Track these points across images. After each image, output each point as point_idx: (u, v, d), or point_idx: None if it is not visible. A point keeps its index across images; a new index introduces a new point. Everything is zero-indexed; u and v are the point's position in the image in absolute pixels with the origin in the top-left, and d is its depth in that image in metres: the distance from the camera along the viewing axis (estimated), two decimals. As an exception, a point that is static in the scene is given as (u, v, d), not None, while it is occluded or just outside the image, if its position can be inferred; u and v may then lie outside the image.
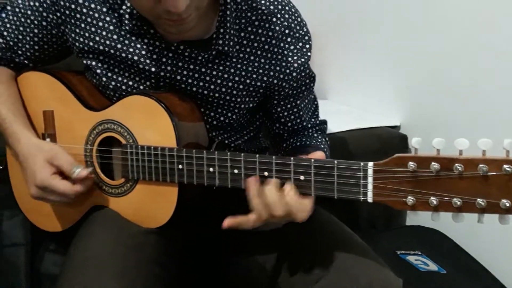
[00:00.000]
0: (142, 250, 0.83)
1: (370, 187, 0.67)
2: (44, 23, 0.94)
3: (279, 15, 0.94)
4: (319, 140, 1.06)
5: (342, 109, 1.92)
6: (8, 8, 0.97)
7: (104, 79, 0.94)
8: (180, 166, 0.82)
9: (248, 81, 0.95)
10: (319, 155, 0.75)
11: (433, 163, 0.62)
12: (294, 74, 0.97)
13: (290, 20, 0.95)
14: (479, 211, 0.62)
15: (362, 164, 0.68)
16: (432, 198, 0.63)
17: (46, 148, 0.88)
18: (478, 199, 0.61)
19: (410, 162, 0.64)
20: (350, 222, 1.34)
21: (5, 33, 0.97)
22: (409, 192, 0.65)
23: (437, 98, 1.50)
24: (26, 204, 1.03)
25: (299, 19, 0.97)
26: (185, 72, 0.92)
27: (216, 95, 0.94)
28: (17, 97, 0.98)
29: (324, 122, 1.14)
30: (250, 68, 0.94)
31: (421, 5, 1.54)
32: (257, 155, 0.76)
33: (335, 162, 0.70)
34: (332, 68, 2.13)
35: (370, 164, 0.67)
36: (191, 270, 1.01)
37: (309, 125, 1.08)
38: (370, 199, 0.68)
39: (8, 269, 1.07)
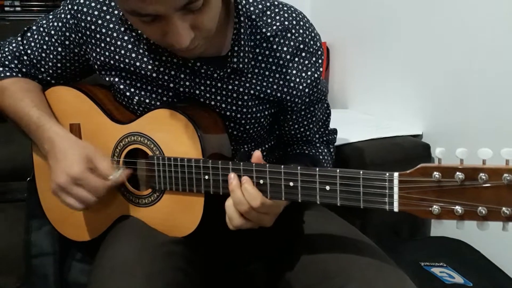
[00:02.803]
0: (167, 258, 0.85)
1: (396, 196, 0.68)
2: (67, 42, 0.98)
3: (293, 31, 0.95)
4: (320, 151, 1.08)
5: (364, 118, 1.92)
6: (33, 28, 1.02)
7: (127, 93, 0.96)
8: (207, 177, 0.84)
9: (262, 95, 0.96)
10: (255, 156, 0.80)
11: (457, 173, 0.63)
12: (307, 89, 0.99)
13: (305, 35, 0.96)
14: (504, 220, 0.62)
15: (387, 174, 0.68)
16: (457, 207, 0.64)
17: (87, 147, 0.91)
18: (503, 208, 0.61)
19: (435, 172, 0.64)
20: (372, 231, 1.34)
21: (29, 51, 1.01)
22: (434, 201, 0.65)
23: (460, 107, 1.49)
24: (54, 215, 1.05)
25: (313, 34, 0.98)
26: (202, 88, 0.94)
27: (233, 108, 0.96)
28: (47, 104, 1.01)
29: (334, 132, 1.15)
30: (264, 83, 0.96)
31: (443, 11, 1.53)
32: (282, 166, 0.77)
33: (361, 172, 0.70)
34: (353, 77, 2.13)
35: (396, 174, 0.67)
36: (213, 279, 1.02)
37: (316, 136, 1.10)
38: (396, 208, 0.68)
39: (37, 279, 1.08)
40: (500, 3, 1.31)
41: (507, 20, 1.29)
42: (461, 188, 0.63)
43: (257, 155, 0.80)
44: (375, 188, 0.69)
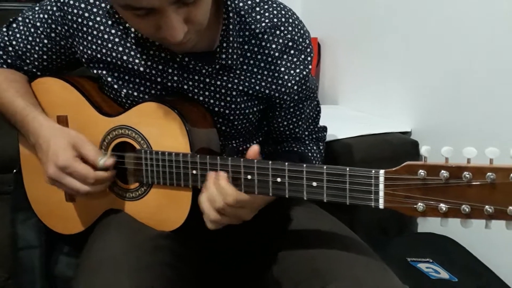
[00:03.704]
0: (155, 252, 0.85)
1: (381, 193, 0.68)
2: (53, 35, 0.97)
3: (282, 28, 0.95)
4: (309, 148, 1.09)
5: (354, 115, 1.93)
6: (19, 19, 1.01)
7: (115, 86, 0.96)
8: (194, 172, 0.84)
9: (250, 91, 0.96)
10: (251, 151, 0.80)
11: (442, 171, 0.64)
12: (296, 87, 0.99)
13: (294, 33, 0.96)
14: (487, 218, 0.63)
15: (373, 171, 0.69)
16: (441, 204, 0.65)
17: (72, 134, 0.90)
18: (486, 206, 0.62)
19: (420, 170, 0.65)
20: (360, 228, 1.35)
21: (14, 43, 1.00)
22: (419, 199, 0.66)
23: (448, 104, 1.50)
24: (40, 207, 1.05)
25: (302, 31, 0.98)
26: (190, 83, 0.94)
27: (222, 103, 0.96)
28: (33, 95, 1.00)
29: (324, 130, 1.15)
30: (253, 80, 0.96)
31: (433, 11, 1.54)
32: (270, 162, 0.77)
33: (347, 169, 0.71)
34: (343, 74, 2.14)
35: (382, 171, 0.68)
36: (203, 274, 1.02)
37: (306, 133, 1.10)
38: (381, 205, 0.69)
39: (22, 271, 1.08)
40: (492, 2, 1.32)
41: (500, 20, 1.30)
42: (445, 186, 0.64)
43: (254, 149, 0.80)
44: (361, 185, 0.70)
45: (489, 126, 1.34)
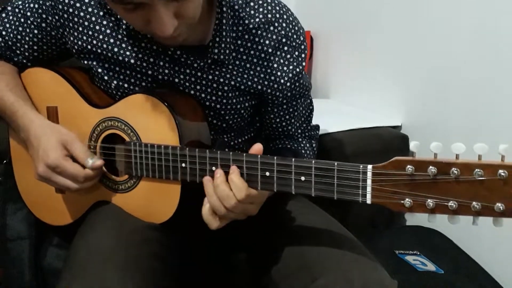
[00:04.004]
0: (143, 244, 0.85)
1: (369, 189, 0.68)
2: (43, 25, 0.96)
3: (276, 24, 0.94)
4: (302, 145, 1.08)
5: (344, 109, 1.93)
6: (9, 8, 0.99)
7: (105, 77, 0.95)
8: (183, 165, 0.84)
9: (242, 87, 0.96)
10: (256, 147, 0.79)
11: (430, 166, 0.64)
12: (288, 83, 0.98)
13: (288, 29, 0.95)
14: (474, 214, 0.63)
15: (361, 166, 0.69)
16: (429, 200, 0.65)
17: (63, 132, 0.90)
18: (474, 203, 0.63)
19: (408, 166, 0.65)
20: (351, 222, 1.36)
21: (3, 33, 0.99)
22: (406, 195, 0.66)
23: (438, 99, 1.51)
24: (31, 198, 1.05)
25: (296, 28, 0.97)
26: (181, 76, 0.94)
27: (213, 98, 0.95)
28: (23, 88, 0.99)
29: (316, 128, 1.15)
30: (245, 75, 0.95)
31: (424, 6, 1.54)
32: (259, 156, 0.77)
33: (335, 164, 0.71)
34: (335, 68, 2.14)
35: (369, 166, 0.68)
36: (192, 265, 1.02)
37: (299, 131, 1.10)
38: (368, 200, 0.69)
39: (12, 263, 1.08)
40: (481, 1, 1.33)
41: (486, 14, 1.30)
42: (433, 182, 0.64)
43: (258, 148, 0.79)
44: (349, 180, 0.70)
45: (479, 121, 1.35)
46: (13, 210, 1.09)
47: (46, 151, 0.86)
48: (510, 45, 1.24)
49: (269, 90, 0.97)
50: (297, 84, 1.00)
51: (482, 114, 1.34)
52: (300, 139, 1.10)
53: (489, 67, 1.31)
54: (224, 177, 0.79)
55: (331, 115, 1.72)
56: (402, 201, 0.66)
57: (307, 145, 1.10)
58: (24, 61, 1.02)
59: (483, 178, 0.62)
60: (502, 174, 0.60)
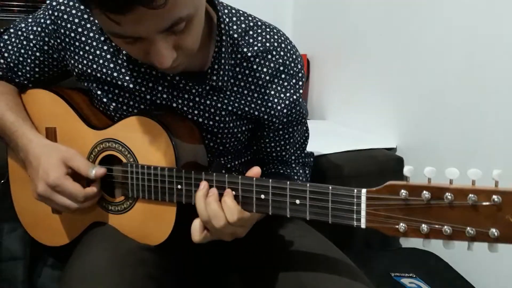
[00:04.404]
0: (138, 266, 0.85)
1: (363, 213, 0.68)
2: (45, 47, 0.97)
3: (274, 53, 0.95)
4: (295, 171, 1.09)
5: (341, 130, 1.94)
6: (11, 30, 1.00)
7: (104, 100, 0.96)
8: (179, 186, 0.84)
9: (240, 112, 0.97)
10: (254, 171, 0.79)
11: (424, 191, 0.64)
12: (285, 110, 0.98)
13: (285, 57, 0.96)
14: (468, 239, 0.63)
15: (355, 190, 0.69)
16: (423, 225, 0.65)
17: (63, 149, 0.90)
18: (468, 228, 0.63)
19: (402, 190, 0.65)
20: (346, 241, 1.35)
21: (6, 54, 1.00)
22: (401, 219, 0.66)
23: (433, 122, 1.52)
24: (27, 218, 1.04)
25: (294, 56, 0.97)
26: (180, 101, 0.94)
27: (211, 122, 0.96)
28: (23, 108, 1.00)
29: (310, 155, 1.15)
30: (243, 101, 0.96)
31: (419, 29, 1.56)
32: (254, 178, 0.77)
33: (330, 188, 0.71)
34: (331, 89, 2.16)
35: (363, 191, 0.68)
36: (187, 287, 1.02)
37: (293, 157, 1.10)
38: (363, 225, 0.69)
39: (6, 283, 1.07)
40: (473, 23, 1.34)
41: (479, 36, 1.32)
42: (427, 207, 0.64)
43: (256, 172, 0.79)
44: (344, 204, 0.70)
45: (473, 145, 1.36)
46: (9, 230, 1.09)
47: (46, 170, 0.86)
48: (503, 70, 1.25)
49: (265, 116, 0.98)
50: (293, 111, 1.00)
51: (475, 138, 1.35)
52: (293, 165, 1.10)
53: (482, 91, 1.32)
54: (217, 196, 0.79)
55: (327, 136, 1.73)
56: (396, 226, 0.66)
57: (300, 171, 1.10)
58: (25, 82, 1.02)
59: (477, 204, 0.62)
60: (496, 199, 0.61)
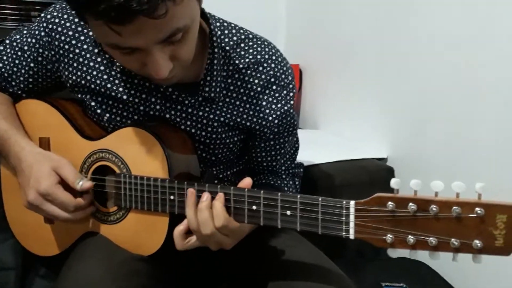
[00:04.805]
0: (131, 277, 0.85)
1: (352, 224, 0.70)
2: (39, 58, 0.98)
3: (265, 64, 0.97)
4: (285, 182, 1.10)
5: (332, 140, 1.96)
6: (6, 42, 1.02)
7: (98, 111, 0.97)
8: (172, 197, 0.85)
9: (232, 123, 0.98)
10: (246, 182, 0.80)
11: (410, 203, 0.66)
12: (276, 121, 1.00)
13: (276, 69, 0.98)
14: (453, 251, 0.65)
15: (344, 202, 0.71)
16: (409, 236, 0.67)
17: (54, 158, 0.90)
18: (452, 239, 0.65)
19: (389, 202, 0.67)
20: (337, 251, 1.36)
21: (0, 65, 1.01)
22: (388, 231, 0.68)
23: (423, 133, 1.54)
24: (19, 228, 1.04)
25: (285, 68, 0.99)
26: (172, 112, 0.96)
27: (203, 133, 0.97)
28: (17, 117, 1.01)
29: (300, 166, 1.17)
30: (235, 112, 0.98)
31: (411, 41, 1.58)
32: (246, 189, 0.79)
33: (320, 199, 0.73)
34: (323, 99, 2.17)
35: (352, 202, 0.70)
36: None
37: (283, 168, 1.11)
38: (352, 236, 0.70)
39: (-4, 293, 1.07)
40: (462, 37, 1.36)
41: (470, 48, 1.34)
42: (413, 218, 0.66)
43: (247, 182, 0.80)
44: (333, 215, 0.72)
45: (459, 156, 1.38)
46: (0, 240, 1.09)
47: (38, 178, 0.86)
48: (491, 84, 1.27)
49: (257, 127, 0.99)
50: (284, 121, 1.02)
51: (464, 149, 1.37)
52: (283, 176, 1.12)
53: (471, 104, 1.34)
54: (210, 202, 0.80)
55: (319, 146, 1.75)
56: (384, 237, 0.68)
57: (290, 182, 1.11)
58: (19, 92, 1.03)
59: (461, 216, 0.64)
60: (479, 211, 0.63)
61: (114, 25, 0.67)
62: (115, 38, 0.70)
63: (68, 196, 0.87)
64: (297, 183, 1.14)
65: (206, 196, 0.80)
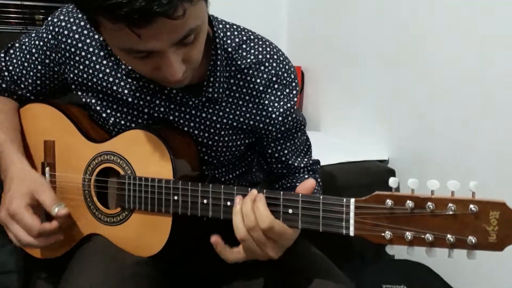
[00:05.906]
0: (133, 281, 0.85)
1: (351, 221, 0.72)
2: (47, 61, 1.00)
3: (267, 64, 0.99)
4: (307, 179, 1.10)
5: (334, 142, 1.98)
6: (16, 45, 1.04)
7: (103, 115, 0.99)
8: (176, 197, 0.86)
9: (235, 124, 1.00)
10: (308, 184, 0.78)
11: (408, 201, 0.68)
12: (280, 118, 1.01)
13: (278, 68, 0.99)
14: (449, 247, 0.67)
15: (344, 200, 0.72)
16: (407, 233, 0.69)
17: (37, 181, 0.90)
18: (448, 235, 0.67)
19: (387, 200, 0.69)
20: (339, 253, 1.38)
21: (10, 68, 1.04)
22: (386, 227, 0.70)
23: (423, 135, 1.55)
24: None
25: (287, 67, 1.01)
26: (176, 114, 0.97)
27: (206, 135, 0.99)
28: (17, 128, 1.02)
29: (317, 163, 1.17)
30: (238, 112, 0.99)
31: (410, 43, 1.60)
32: (249, 189, 0.80)
33: (321, 197, 0.74)
34: (325, 101, 2.19)
35: (352, 200, 0.72)
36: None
37: (301, 165, 1.11)
38: (351, 232, 0.72)
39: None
40: (463, 40, 1.38)
41: (469, 51, 1.36)
42: (411, 215, 0.68)
43: (309, 184, 0.79)
44: (333, 213, 0.73)
45: (462, 157, 1.39)
46: (2, 244, 1.09)
47: (12, 197, 0.86)
48: (491, 85, 1.29)
49: (261, 125, 1.01)
50: (289, 118, 1.03)
51: (464, 150, 1.39)
52: (306, 176, 1.11)
53: (470, 106, 1.36)
54: (252, 204, 0.78)
55: (321, 148, 1.75)
56: (382, 234, 0.70)
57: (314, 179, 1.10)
58: (28, 94, 1.06)
59: (456, 213, 0.66)
60: (473, 209, 0.65)
61: (135, 28, 0.68)
62: (132, 42, 0.71)
63: (34, 220, 0.85)
64: (319, 180, 1.13)
65: (259, 196, 0.78)
